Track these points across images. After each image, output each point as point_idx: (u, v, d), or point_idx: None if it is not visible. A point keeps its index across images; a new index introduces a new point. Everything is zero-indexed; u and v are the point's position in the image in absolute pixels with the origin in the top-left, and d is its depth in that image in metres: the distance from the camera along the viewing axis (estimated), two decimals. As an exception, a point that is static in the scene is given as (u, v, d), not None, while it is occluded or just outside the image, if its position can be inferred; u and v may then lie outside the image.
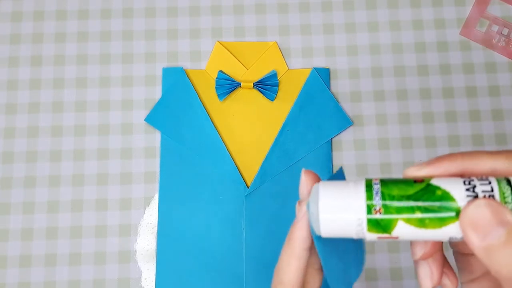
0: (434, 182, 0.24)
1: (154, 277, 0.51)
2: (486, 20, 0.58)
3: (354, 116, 0.55)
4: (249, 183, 0.53)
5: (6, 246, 0.52)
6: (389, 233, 0.24)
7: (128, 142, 0.55)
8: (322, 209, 0.25)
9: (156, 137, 0.55)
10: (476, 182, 0.23)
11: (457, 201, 0.23)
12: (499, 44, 0.57)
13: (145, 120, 0.55)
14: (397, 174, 0.54)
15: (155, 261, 0.51)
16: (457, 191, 0.23)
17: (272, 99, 0.55)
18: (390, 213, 0.23)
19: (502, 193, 0.23)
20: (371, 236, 0.24)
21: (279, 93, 0.55)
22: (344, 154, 0.54)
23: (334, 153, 0.54)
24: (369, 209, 0.24)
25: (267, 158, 0.53)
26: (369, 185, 0.24)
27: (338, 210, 0.24)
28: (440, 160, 0.25)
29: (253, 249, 0.51)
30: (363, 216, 0.24)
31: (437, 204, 0.23)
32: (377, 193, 0.24)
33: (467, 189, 0.23)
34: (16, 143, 0.54)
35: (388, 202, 0.24)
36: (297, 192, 0.53)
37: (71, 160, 0.54)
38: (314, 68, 0.56)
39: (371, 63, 0.57)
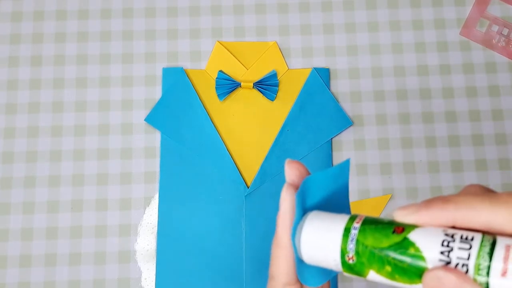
0: (412, 236, 0.23)
1: (154, 277, 0.51)
2: (486, 20, 0.58)
3: (354, 116, 0.55)
4: (249, 183, 0.53)
5: (6, 246, 0.52)
6: (363, 277, 0.24)
7: (128, 142, 0.55)
8: (303, 243, 0.25)
9: (156, 137, 0.55)
10: (456, 244, 0.22)
11: (427, 263, 0.22)
12: (499, 44, 0.57)
13: (145, 120, 0.55)
14: (397, 174, 0.54)
15: (155, 261, 0.51)
16: (431, 252, 0.22)
17: (272, 99, 0.55)
18: (362, 262, 0.24)
19: (477, 265, 0.21)
20: (348, 275, 0.25)
21: (279, 93, 0.55)
22: (344, 154, 0.54)
23: (334, 153, 0.54)
24: (343, 254, 0.24)
25: (267, 158, 0.53)
26: (347, 229, 0.24)
27: (317, 246, 0.25)
28: (430, 206, 0.23)
29: (253, 249, 0.51)
30: (338, 259, 0.24)
31: (407, 261, 0.22)
32: (352, 240, 0.24)
33: (442, 252, 0.22)
34: (16, 143, 0.54)
35: (361, 250, 0.24)
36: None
37: (71, 160, 0.54)
38: (314, 68, 0.56)
39: (371, 63, 0.57)
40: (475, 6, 0.59)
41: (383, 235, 0.23)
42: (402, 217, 0.23)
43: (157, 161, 0.54)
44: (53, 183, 0.53)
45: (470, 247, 0.21)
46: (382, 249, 0.23)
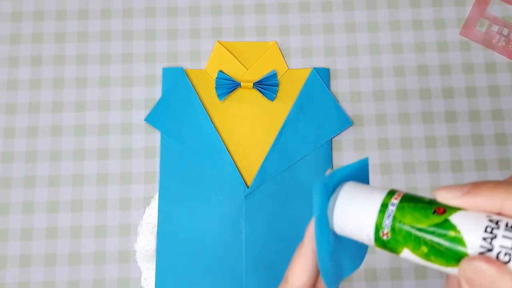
0: (454, 219, 0.22)
1: (154, 277, 0.51)
2: (486, 20, 0.58)
3: (354, 116, 0.55)
4: (249, 183, 0.53)
5: (6, 246, 0.52)
6: (397, 254, 0.23)
7: (128, 142, 0.55)
8: (336, 214, 0.25)
9: (156, 137, 0.55)
10: (500, 231, 0.21)
11: (467, 248, 0.21)
12: (499, 44, 0.57)
13: (145, 120, 0.55)
14: (396, 174, 0.54)
15: (155, 261, 0.51)
16: (473, 237, 0.21)
17: (272, 99, 0.55)
18: (397, 240, 0.23)
19: None
20: (380, 250, 0.24)
21: (279, 93, 0.55)
22: (344, 154, 0.54)
23: (334, 153, 0.54)
24: (377, 230, 0.23)
25: (267, 158, 0.53)
26: (385, 205, 0.23)
27: (351, 218, 0.24)
28: (478, 190, 0.22)
29: (253, 249, 0.51)
30: (371, 234, 0.24)
31: (446, 244, 0.22)
32: (389, 216, 0.23)
33: (484, 238, 0.21)
34: (16, 143, 0.54)
35: (397, 227, 0.23)
36: (296, 192, 0.53)
37: (71, 160, 0.54)
38: (314, 68, 0.56)
39: (371, 63, 0.57)
40: (475, 6, 0.59)
41: (422, 215, 0.22)
42: (445, 199, 0.22)
43: (157, 161, 0.54)
44: (53, 183, 0.53)
45: None
46: (420, 229, 0.22)
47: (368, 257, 0.52)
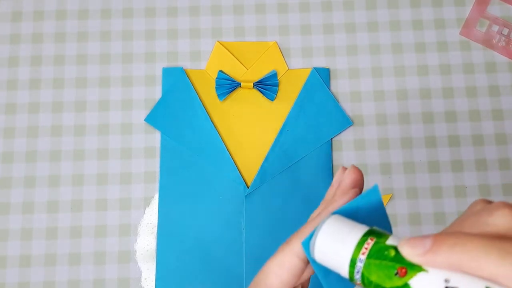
0: (413, 283, 0.23)
1: (154, 277, 0.51)
2: (486, 20, 0.58)
3: (354, 116, 0.55)
4: (249, 183, 0.53)
5: (5, 246, 0.52)
6: None
7: (128, 142, 0.55)
8: (317, 247, 0.26)
9: (156, 137, 0.55)
10: None
11: None
12: (499, 44, 0.57)
13: (145, 120, 0.55)
14: (397, 174, 0.54)
15: (155, 261, 0.51)
16: None
17: (272, 99, 0.55)
18: None
19: None
20: None
21: (279, 93, 0.55)
22: (344, 154, 0.54)
23: (334, 153, 0.54)
24: (351, 277, 0.25)
25: (267, 158, 0.53)
26: (354, 260, 0.25)
27: (329, 254, 0.26)
28: (438, 250, 0.22)
29: (253, 249, 0.51)
30: (346, 275, 0.25)
31: None
32: (358, 272, 0.25)
33: None
34: (16, 143, 0.54)
35: (366, 283, 0.24)
36: (296, 192, 0.53)
37: (70, 160, 0.54)
38: (314, 68, 0.56)
39: (371, 63, 0.57)
40: (475, 6, 0.59)
41: (386, 275, 0.23)
42: (408, 256, 0.23)
43: (157, 161, 0.54)
44: (53, 183, 0.53)
45: None
46: None
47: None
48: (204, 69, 0.56)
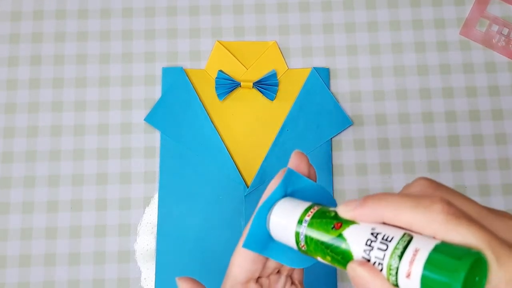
0: (346, 233, 0.26)
1: (154, 277, 0.51)
2: (486, 20, 0.58)
3: (354, 116, 0.55)
4: (249, 183, 0.53)
5: (5, 246, 0.52)
6: (316, 259, 0.28)
7: (128, 142, 0.54)
8: (271, 224, 0.30)
9: (156, 137, 0.55)
10: (376, 244, 0.24)
11: (354, 259, 0.25)
12: (499, 44, 0.57)
13: (144, 120, 0.55)
14: (397, 174, 0.54)
15: (154, 261, 0.51)
16: (357, 250, 0.25)
17: (272, 99, 0.55)
18: (311, 250, 0.28)
19: (389, 266, 0.23)
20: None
21: (278, 93, 0.55)
22: (344, 154, 0.54)
23: (334, 153, 0.54)
24: (297, 242, 0.28)
25: (267, 158, 0.53)
26: (300, 221, 0.28)
27: (280, 230, 0.29)
28: (365, 204, 0.25)
29: (253, 249, 0.51)
30: (295, 245, 0.29)
31: (339, 256, 0.26)
32: (302, 232, 0.28)
33: (365, 250, 0.24)
34: (16, 142, 0.54)
35: (309, 241, 0.27)
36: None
37: (70, 159, 0.54)
38: (314, 68, 0.56)
39: (371, 63, 0.57)
40: (475, 6, 0.59)
41: (324, 230, 0.27)
42: (342, 213, 0.26)
43: (156, 161, 0.54)
44: (53, 183, 0.53)
45: (387, 248, 0.24)
46: (323, 242, 0.27)
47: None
48: (204, 69, 0.56)
